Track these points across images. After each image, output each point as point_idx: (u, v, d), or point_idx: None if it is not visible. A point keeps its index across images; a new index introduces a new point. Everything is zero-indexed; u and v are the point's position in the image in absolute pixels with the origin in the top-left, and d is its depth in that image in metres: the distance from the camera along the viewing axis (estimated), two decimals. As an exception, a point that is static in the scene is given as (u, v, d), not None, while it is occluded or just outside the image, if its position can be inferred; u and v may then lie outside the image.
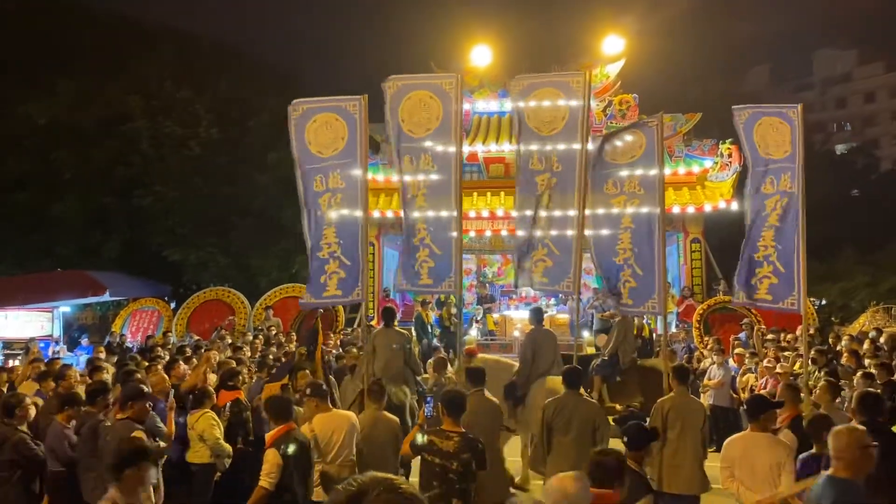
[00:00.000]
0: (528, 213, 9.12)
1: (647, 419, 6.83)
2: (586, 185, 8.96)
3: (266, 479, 5.33)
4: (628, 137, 9.04)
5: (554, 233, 9.06)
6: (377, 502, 1.65)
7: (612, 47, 19.48)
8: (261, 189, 24.40)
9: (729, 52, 53.36)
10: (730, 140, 17.40)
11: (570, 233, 9.01)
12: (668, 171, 17.52)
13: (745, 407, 5.84)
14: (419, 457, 5.55)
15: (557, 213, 9.02)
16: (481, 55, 19.60)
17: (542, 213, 9.02)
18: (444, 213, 8.52)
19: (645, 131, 8.96)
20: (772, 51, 60.54)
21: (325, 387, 6.82)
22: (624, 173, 8.99)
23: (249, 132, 25.89)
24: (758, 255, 8.63)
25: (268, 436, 5.76)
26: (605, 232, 9.12)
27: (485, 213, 17.47)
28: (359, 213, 8.44)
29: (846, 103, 60.36)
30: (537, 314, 9.95)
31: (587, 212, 9.09)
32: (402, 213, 8.87)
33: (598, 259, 9.22)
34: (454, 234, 8.37)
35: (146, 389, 6.57)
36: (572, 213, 8.95)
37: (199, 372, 8.88)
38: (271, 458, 5.39)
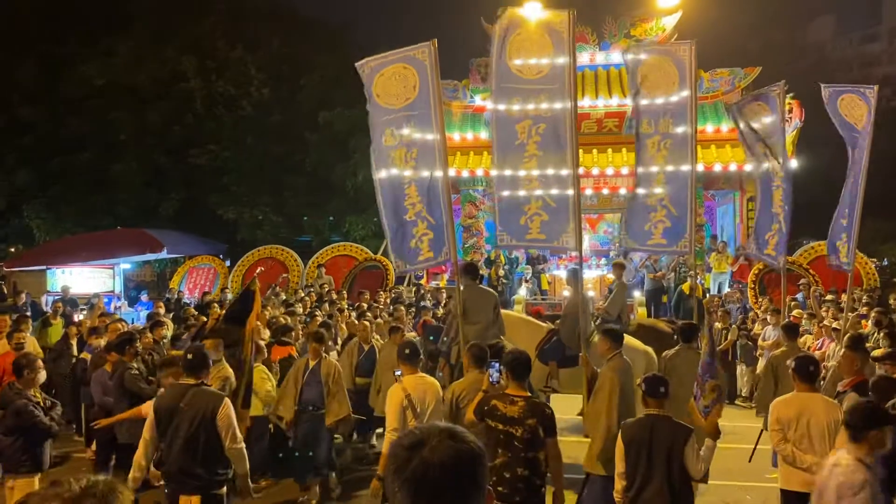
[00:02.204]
0: (647, 169, 9.00)
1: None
2: (696, 143, 9.01)
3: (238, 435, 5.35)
4: (755, 107, 9.56)
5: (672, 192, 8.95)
6: (439, 448, 1.67)
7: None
8: (312, 148, 24.60)
9: (792, 1, 51.12)
10: (791, 95, 16.82)
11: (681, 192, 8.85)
12: (725, 127, 17.17)
13: (794, 367, 5.63)
14: (483, 424, 5.26)
15: (671, 168, 8.86)
16: (533, 9, 19.19)
17: (656, 170, 8.90)
18: (563, 171, 7.81)
19: (769, 102, 9.29)
20: None
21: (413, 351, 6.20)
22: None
23: (300, 91, 26.03)
24: (844, 221, 9.45)
25: None
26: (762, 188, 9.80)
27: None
28: (438, 167, 7.64)
29: (917, 55, 57.46)
30: (575, 275, 9.83)
31: (748, 167, 9.90)
32: (494, 166, 8.20)
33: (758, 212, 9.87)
34: (570, 191, 7.78)
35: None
36: (685, 168, 8.80)
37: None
38: (232, 414, 5.32)
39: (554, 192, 7.77)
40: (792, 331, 8.04)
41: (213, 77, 26.14)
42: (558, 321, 9.76)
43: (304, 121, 24.70)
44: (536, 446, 5.01)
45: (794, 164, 16.74)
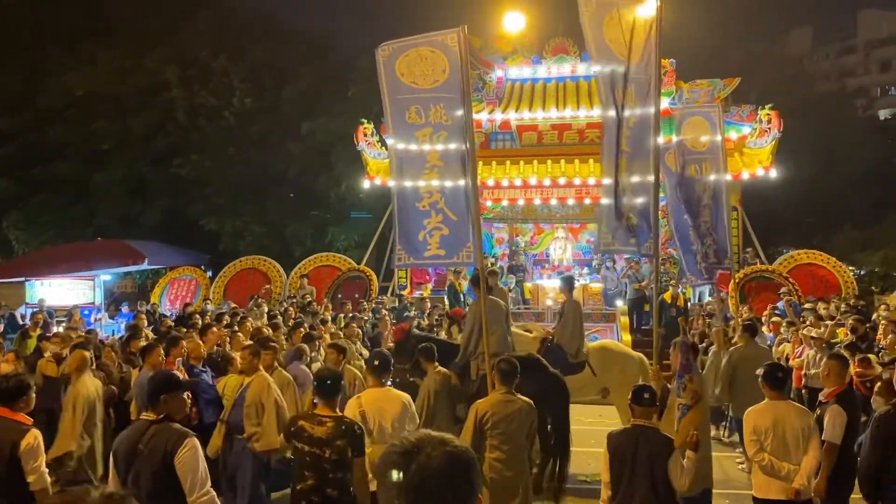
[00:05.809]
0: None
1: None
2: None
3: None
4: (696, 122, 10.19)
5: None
6: (434, 455, 1.70)
7: (648, 10, 19.02)
8: (295, 158, 24.56)
9: (771, 13, 51.87)
10: (769, 105, 17.04)
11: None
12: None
13: (763, 375, 5.59)
14: (290, 445, 5.04)
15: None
16: (514, 21, 19.36)
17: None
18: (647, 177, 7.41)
19: (708, 119, 9.96)
20: (814, 11, 58.72)
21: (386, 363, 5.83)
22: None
23: (283, 101, 26.01)
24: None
25: None
26: None
27: (517, 182, 17.32)
28: (468, 173, 6.83)
29: (891, 66, 58.27)
30: (570, 283, 9.78)
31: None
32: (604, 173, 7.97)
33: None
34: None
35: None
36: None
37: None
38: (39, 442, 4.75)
39: (637, 198, 7.43)
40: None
41: (195, 87, 26.05)
42: (552, 328, 9.68)
43: (287, 131, 24.67)
44: (345, 467, 4.80)
45: (773, 173, 17.01)
